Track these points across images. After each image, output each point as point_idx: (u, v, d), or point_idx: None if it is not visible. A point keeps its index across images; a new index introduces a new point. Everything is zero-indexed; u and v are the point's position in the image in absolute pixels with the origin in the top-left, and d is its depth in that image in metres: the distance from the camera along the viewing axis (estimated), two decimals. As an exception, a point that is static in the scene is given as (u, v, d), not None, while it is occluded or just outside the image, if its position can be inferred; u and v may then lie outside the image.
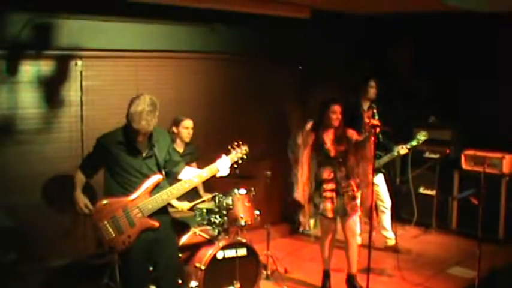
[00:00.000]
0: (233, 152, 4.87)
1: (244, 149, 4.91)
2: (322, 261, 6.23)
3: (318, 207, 5.96)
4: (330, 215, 5.96)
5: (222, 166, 4.78)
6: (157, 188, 4.58)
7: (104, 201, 4.50)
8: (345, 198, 5.97)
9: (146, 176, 4.55)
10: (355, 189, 6.01)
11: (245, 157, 4.91)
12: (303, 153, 5.93)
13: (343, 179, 5.99)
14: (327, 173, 5.97)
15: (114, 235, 4.46)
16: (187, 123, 6.29)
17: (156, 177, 4.58)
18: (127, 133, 4.51)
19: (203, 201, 6.15)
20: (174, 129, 6.27)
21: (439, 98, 8.70)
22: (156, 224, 4.56)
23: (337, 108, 6.00)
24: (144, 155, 4.57)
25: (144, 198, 4.51)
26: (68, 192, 6.11)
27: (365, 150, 5.92)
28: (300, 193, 5.93)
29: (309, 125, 6.08)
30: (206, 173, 4.73)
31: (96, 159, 4.69)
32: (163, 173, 4.68)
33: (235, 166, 4.87)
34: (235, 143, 4.91)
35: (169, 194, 4.56)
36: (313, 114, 8.22)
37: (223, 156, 4.83)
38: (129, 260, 4.56)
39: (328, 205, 5.94)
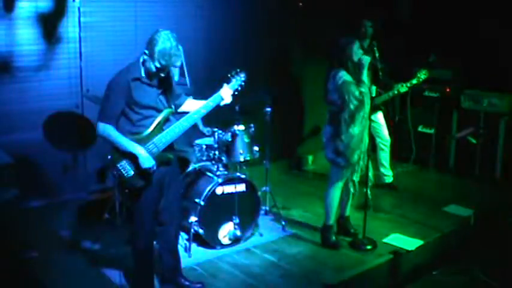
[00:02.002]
0: (233, 80, 4.89)
1: (243, 75, 4.92)
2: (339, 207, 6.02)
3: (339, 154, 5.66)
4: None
5: (225, 95, 4.81)
6: (167, 121, 4.63)
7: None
8: None
9: (159, 111, 4.57)
10: None
11: (243, 84, 4.92)
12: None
13: None
14: None
15: (133, 173, 4.50)
16: None
17: (167, 111, 4.60)
18: (145, 70, 4.46)
19: None
20: None
21: (440, 36, 8.62)
22: (171, 156, 4.64)
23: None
24: (158, 90, 4.57)
25: (158, 132, 4.54)
26: (67, 128, 6.22)
27: None
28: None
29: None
30: (211, 102, 4.75)
31: (118, 102, 4.45)
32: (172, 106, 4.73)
33: (235, 93, 4.89)
34: (234, 71, 4.92)
35: (180, 127, 4.59)
36: (313, 50, 8.29)
37: (225, 85, 4.84)
38: (144, 196, 4.59)
39: None
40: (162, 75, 4.47)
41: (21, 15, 5.90)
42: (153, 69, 4.40)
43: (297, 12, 8.10)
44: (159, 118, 4.53)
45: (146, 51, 4.38)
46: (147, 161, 4.44)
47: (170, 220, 4.83)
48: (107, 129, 4.42)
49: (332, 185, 5.80)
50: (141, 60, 4.45)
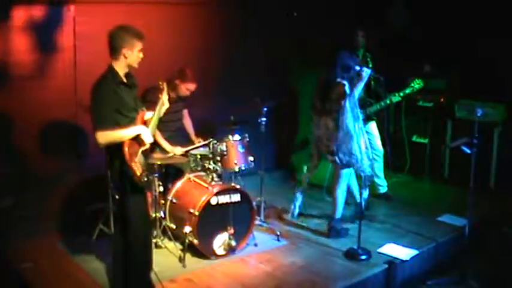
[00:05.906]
0: None
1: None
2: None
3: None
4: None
5: None
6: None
7: (126, 147, 4.46)
8: None
9: (137, 111, 4.62)
10: None
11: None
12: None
13: None
14: None
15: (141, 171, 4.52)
16: None
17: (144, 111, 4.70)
18: (124, 71, 4.55)
19: (196, 147, 6.14)
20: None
21: (434, 46, 8.65)
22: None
23: None
24: (133, 91, 4.64)
25: None
26: (62, 137, 6.20)
27: None
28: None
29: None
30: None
31: (111, 107, 4.42)
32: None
33: None
34: None
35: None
36: (309, 60, 8.30)
37: None
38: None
39: None
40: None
41: (16, 24, 5.89)
42: (139, 55, 4.53)
43: (292, 22, 8.11)
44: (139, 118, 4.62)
45: (123, 49, 4.47)
46: (149, 135, 4.56)
47: None
48: (106, 136, 4.36)
49: (342, 183, 6.26)
50: (116, 65, 4.53)
